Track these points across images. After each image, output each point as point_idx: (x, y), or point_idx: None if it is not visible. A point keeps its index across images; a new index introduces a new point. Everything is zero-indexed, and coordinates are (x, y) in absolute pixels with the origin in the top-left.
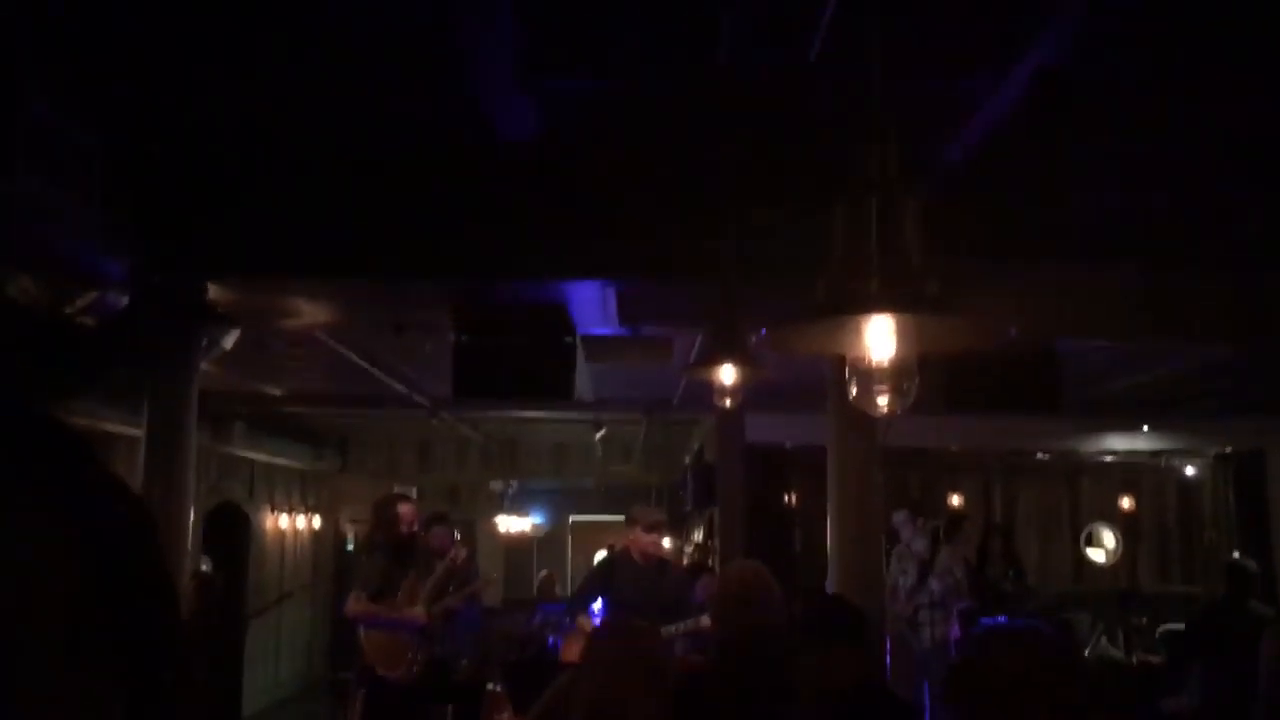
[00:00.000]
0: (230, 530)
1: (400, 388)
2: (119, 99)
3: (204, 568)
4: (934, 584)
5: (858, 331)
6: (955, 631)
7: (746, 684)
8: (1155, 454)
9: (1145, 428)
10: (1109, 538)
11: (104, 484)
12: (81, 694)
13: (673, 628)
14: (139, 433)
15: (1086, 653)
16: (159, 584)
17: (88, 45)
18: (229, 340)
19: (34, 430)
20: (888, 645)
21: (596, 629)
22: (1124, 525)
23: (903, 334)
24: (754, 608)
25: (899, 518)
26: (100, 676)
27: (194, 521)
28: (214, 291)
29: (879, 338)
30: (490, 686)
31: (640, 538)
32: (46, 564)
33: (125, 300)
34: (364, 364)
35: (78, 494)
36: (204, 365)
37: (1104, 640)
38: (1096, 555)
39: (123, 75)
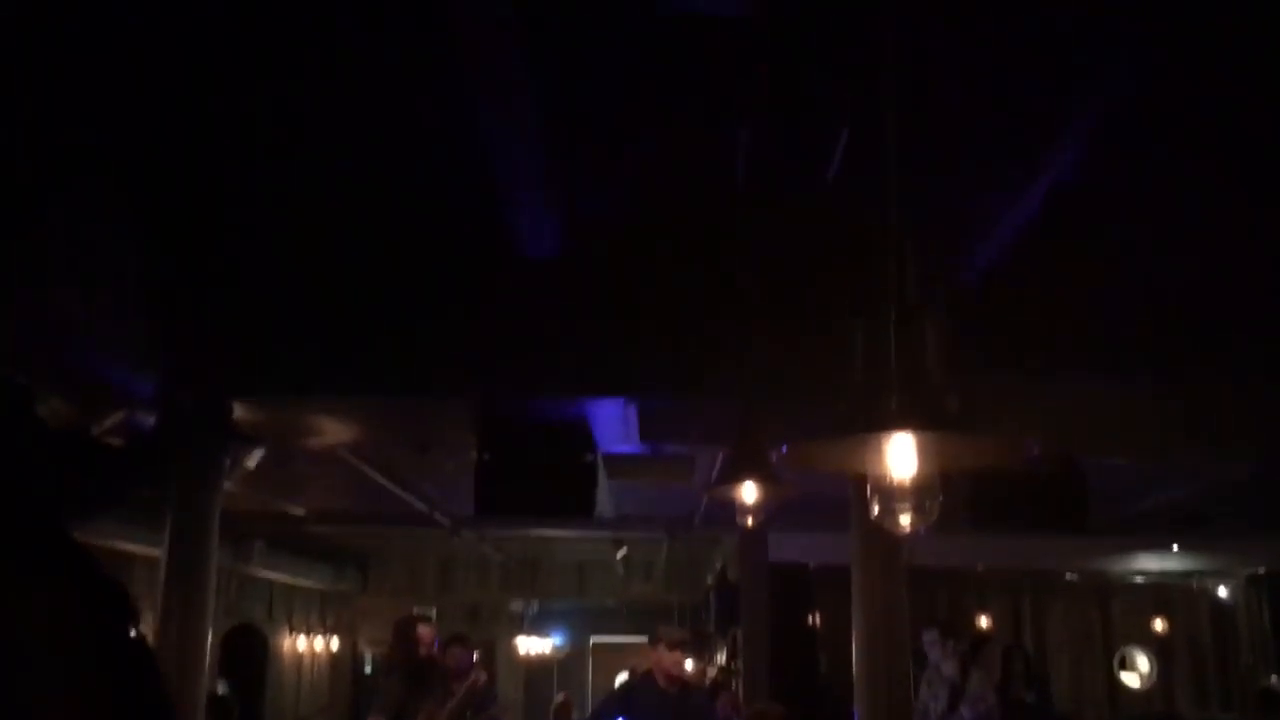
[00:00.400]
0: (248, 652)
1: (422, 506)
2: (150, 219)
3: (220, 690)
4: (965, 712)
5: (879, 449)
6: None
7: None
8: (1187, 574)
9: (1175, 547)
10: (1143, 661)
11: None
12: None
13: None
14: (157, 552)
15: None
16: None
17: (122, 165)
18: (253, 460)
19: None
20: None
21: None
22: (1158, 648)
23: (924, 452)
24: None
25: (929, 638)
26: None
27: (211, 643)
28: (239, 411)
29: (900, 456)
30: None
31: (664, 657)
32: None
33: (152, 420)
34: (386, 482)
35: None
36: (226, 484)
37: None
38: (1131, 680)
39: (154, 195)
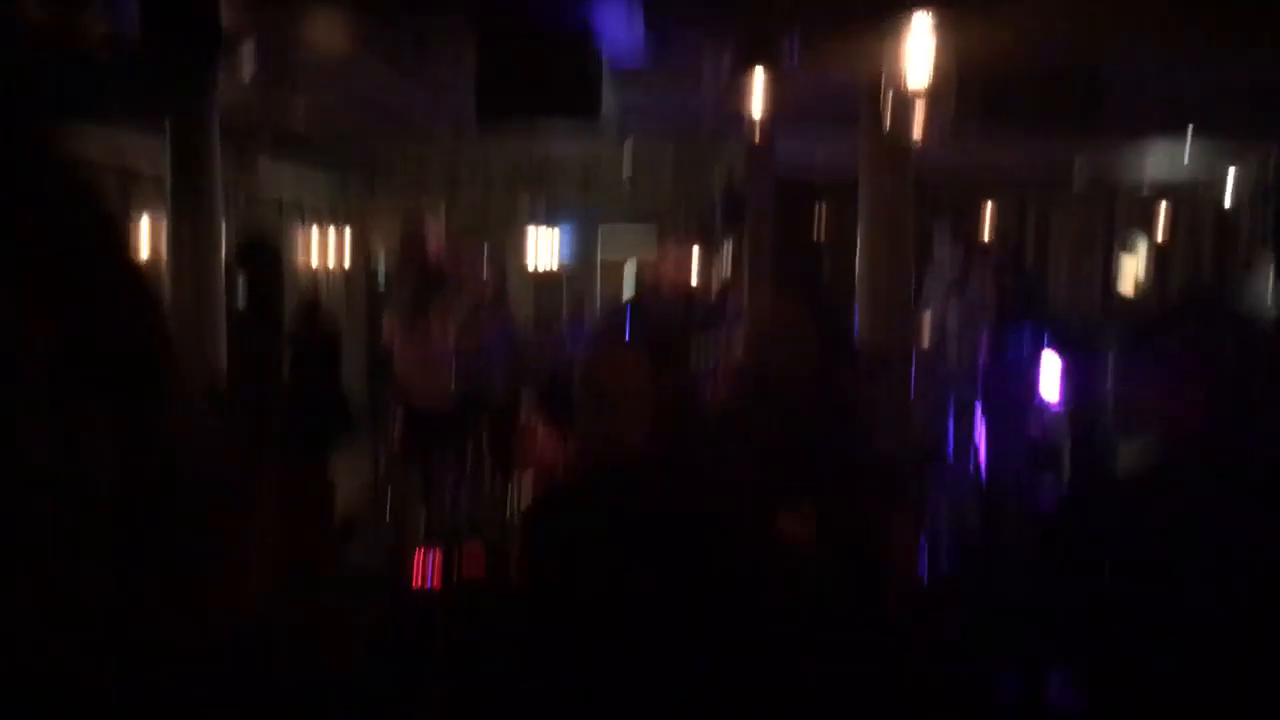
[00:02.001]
0: (262, 262)
1: (426, 107)
2: None
3: (240, 303)
4: (963, 303)
5: (894, 39)
6: (983, 345)
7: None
8: (1192, 180)
9: (1186, 151)
10: (1144, 247)
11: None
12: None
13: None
14: (162, 166)
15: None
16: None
17: None
18: (247, 61)
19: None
20: (914, 367)
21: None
22: (1157, 253)
23: (939, 40)
24: (785, 345)
25: (938, 235)
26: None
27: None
28: (230, 8)
29: (916, 43)
30: (524, 409)
31: (670, 260)
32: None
33: (139, 17)
34: (388, 77)
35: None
36: (221, 91)
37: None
38: (1130, 265)
39: None
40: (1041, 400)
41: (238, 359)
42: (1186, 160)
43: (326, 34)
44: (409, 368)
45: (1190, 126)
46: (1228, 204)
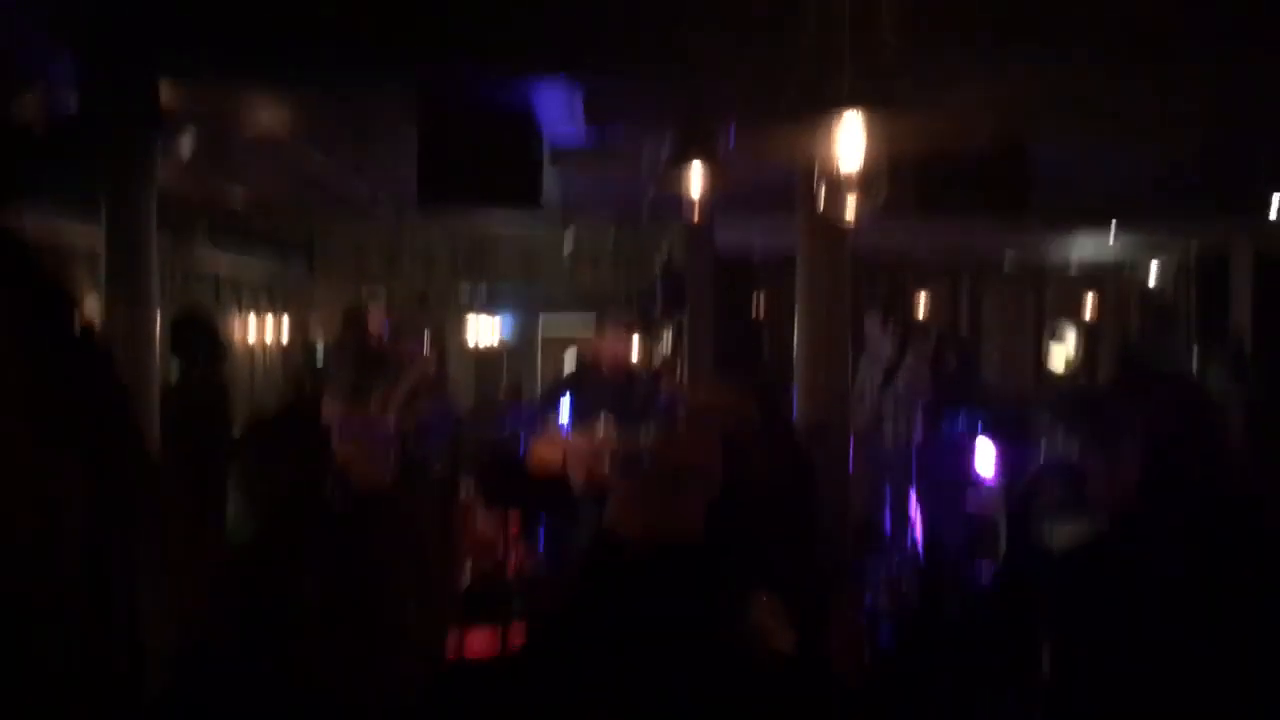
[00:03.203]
0: (199, 334)
1: (366, 191)
2: None
3: (175, 376)
4: (898, 385)
5: (828, 131)
6: (919, 433)
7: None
8: (1120, 263)
9: (1112, 233)
10: (1071, 334)
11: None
12: (39, 474)
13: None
14: (98, 244)
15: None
16: (110, 378)
17: None
18: (186, 144)
19: None
20: (851, 448)
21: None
22: (1087, 332)
23: (873, 133)
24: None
25: (870, 321)
26: (57, 458)
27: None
28: (167, 93)
29: (850, 136)
30: (464, 491)
31: (610, 340)
32: None
33: (74, 101)
34: (328, 161)
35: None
36: (161, 172)
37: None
38: (1059, 352)
39: None
40: (977, 479)
41: (172, 440)
42: (1112, 243)
43: (266, 116)
44: (350, 446)
45: (1114, 221)
46: (1152, 285)
